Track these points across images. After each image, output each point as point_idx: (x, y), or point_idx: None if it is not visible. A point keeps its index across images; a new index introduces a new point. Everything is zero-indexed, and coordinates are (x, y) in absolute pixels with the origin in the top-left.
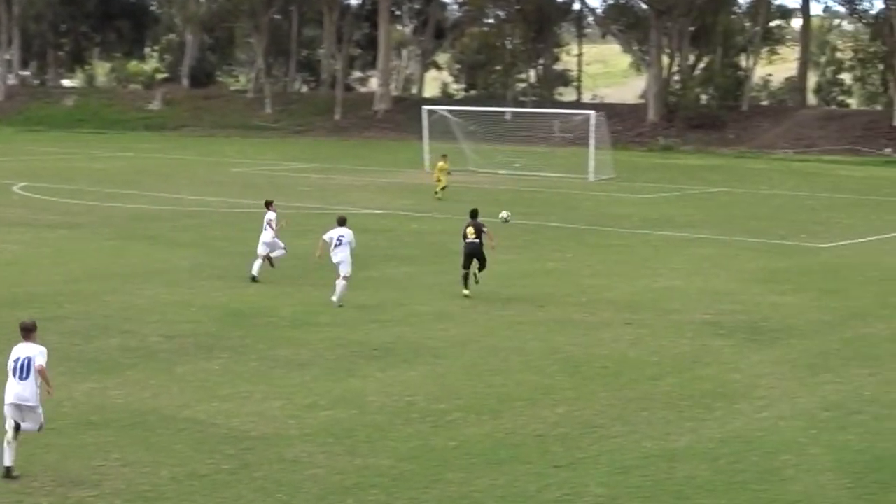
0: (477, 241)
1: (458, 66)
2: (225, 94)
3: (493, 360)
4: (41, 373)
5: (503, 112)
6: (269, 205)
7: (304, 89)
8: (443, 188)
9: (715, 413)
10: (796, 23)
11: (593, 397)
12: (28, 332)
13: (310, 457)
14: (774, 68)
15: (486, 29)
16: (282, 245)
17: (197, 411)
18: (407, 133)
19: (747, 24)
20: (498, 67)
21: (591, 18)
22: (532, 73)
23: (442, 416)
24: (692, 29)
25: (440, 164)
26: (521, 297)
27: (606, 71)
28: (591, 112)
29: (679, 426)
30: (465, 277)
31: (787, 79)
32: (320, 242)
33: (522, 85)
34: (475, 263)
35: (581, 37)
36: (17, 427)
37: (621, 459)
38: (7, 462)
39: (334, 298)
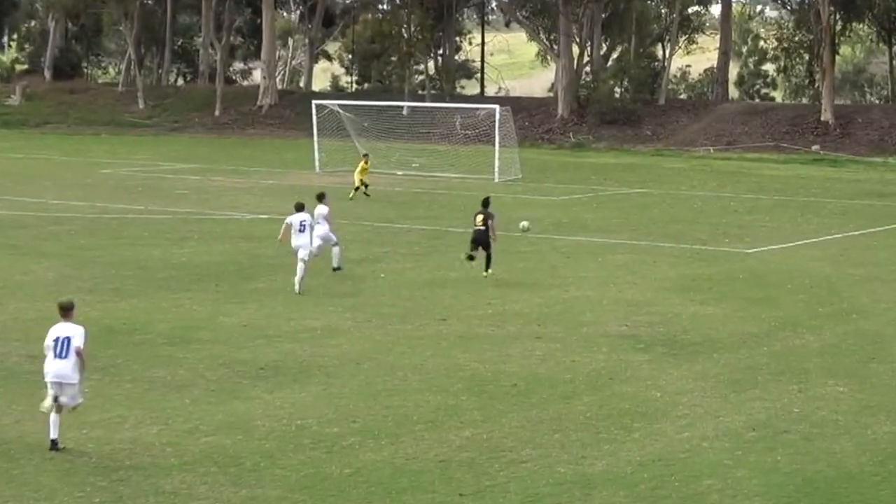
0: (484, 228)
1: (349, 57)
2: (92, 88)
3: (391, 378)
4: (79, 354)
5: (400, 107)
6: (321, 198)
7: (181, 82)
8: (356, 189)
9: (634, 434)
10: (716, 10)
11: (501, 419)
12: (66, 311)
13: (190, 488)
14: (693, 59)
15: (379, 16)
16: (335, 239)
17: (65, 439)
18: (295, 130)
19: (663, 10)
20: (393, 58)
21: (494, 4)
22: (431, 65)
23: (336, 441)
24: (604, 16)
25: (362, 164)
26: (420, 309)
27: (512, 62)
28: (496, 106)
29: (595, 449)
30: (469, 258)
31: (707, 70)
32: (283, 227)
33: (421, 77)
34: (482, 253)
35: (484, 24)
36: (56, 399)
37: (533, 486)
38: (53, 435)
39: (299, 277)
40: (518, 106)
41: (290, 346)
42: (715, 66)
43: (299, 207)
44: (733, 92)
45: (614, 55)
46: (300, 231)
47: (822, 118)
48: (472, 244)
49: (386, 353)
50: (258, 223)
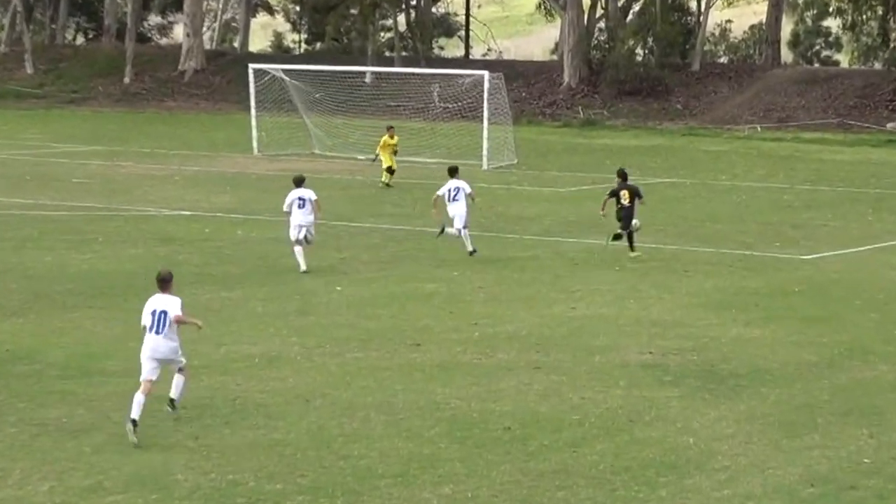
0: (631, 205)
1: (297, 9)
2: None
3: (350, 420)
4: (178, 321)
5: (361, 73)
6: (300, 183)
7: (81, 41)
8: (388, 171)
9: (659, 491)
10: None
11: (491, 472)
12: (165, 283)
13: None
14: (735, 13)
15: None
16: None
17: None
18: (226, 102)
19: None
20: (353, 10)
21: None
22: (402, 19)
23: (280, 502)
24: None
25: (385, 138)
26: (387, 332)
27: (505, 16)
28: (485, 73)
29: None
30: (618, 237)
31: (753, 27)
32: (433, 199)
33: (388, 35)
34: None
35: None
36: (153, 380)
37: None
38: (134, 415)
39: (469, 248)
40: (513, 72)
41: (220, 378)
42: (763, 21)
43: (298, 182)
44: (786, 55)
45: (636, 7)
46: (300, 207)
47: None
48: (623, 222)
49: (343, 387)
50: (180, 221)
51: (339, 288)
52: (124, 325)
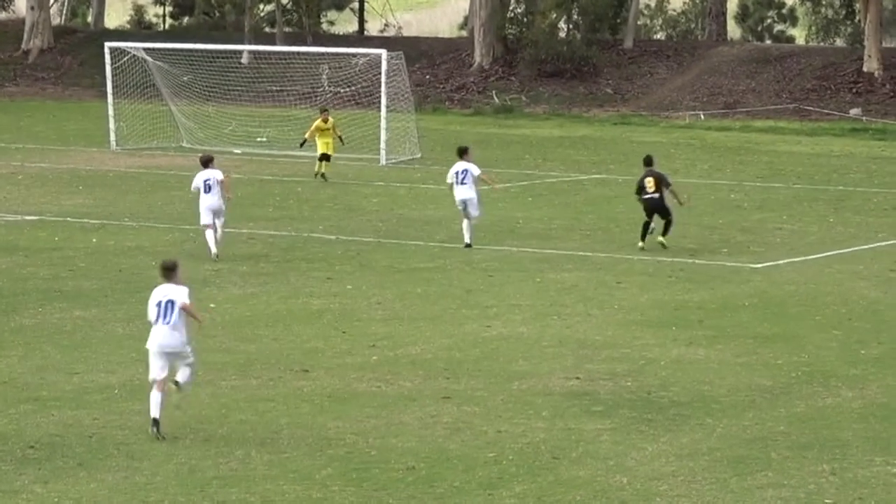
0: (657, 195)
1: None
2: None
3: (226, 460)
4: (186, 309)
5: (237, 53)
6: (208, 163)
7: None
8: (323, 159)
9: None
10: None
11: None
12: (169, 271)
13: None
14: None
15: None
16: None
17: None
18: (78, 87)
19: None
20: None
21: None
22: None
23: None
24: None
25: (318, 122)
26: (270, 356)
27: None
28: (382, 51)
29: None
30: (646, 227)
31: None
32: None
33: (268, 8)
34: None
35: None
36: (163, 378)
37: None
38: (154, 414)
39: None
40: (415, 51)
41: (73, 413)
42: None
43: (205, 162)
44: (733, 30)
45: None
46: (206, 191)
47: (865, 69)
48: (648, 213)
49: (218, 422)
50: (23, 228)
51: (212, 305)
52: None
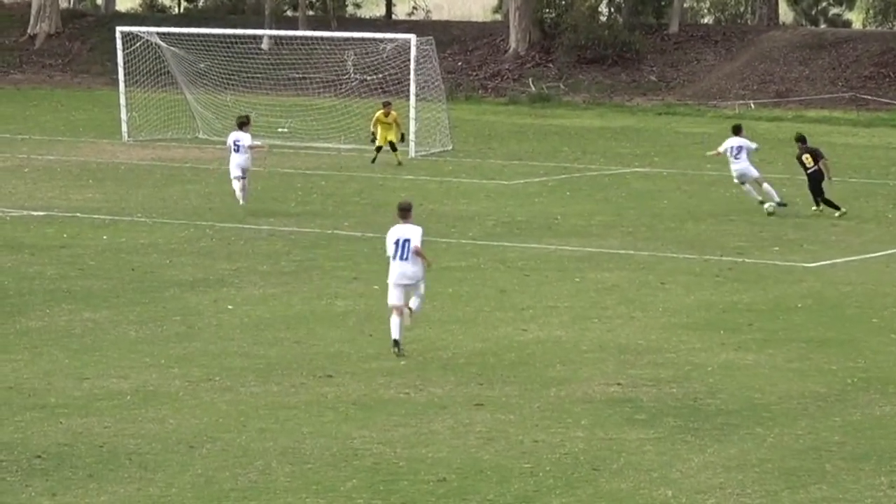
0: (816, 167)
1: None
2: None
3: (245, 471)
4: (417, 252)
5: (257, 38)
6: (243, 125)
7: None
8: (388, 146)
9: None
10: None
11: None
12: (406, 211)
13: None
14: None
15: None
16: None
17: None
18: (87, 75)
19: None
20: None
21: None
22: None
23: None
24: None
25: (379, 115)
26: (291, 360)
27: None
28: (411, 37)
29: None
30: (823, 203)
31: None
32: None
33: None
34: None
35: None
36: (400, 305)
37: None
38: (395, 335)
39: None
40: (446, 35)
41: (83, 420)
42: None
43: (241, 124)
44: (786, 13)
45: None
46: (235, 151)
47: None
48: (813, 190)
49: (237, 430)
50: (30, 224)
51: (230, 307)
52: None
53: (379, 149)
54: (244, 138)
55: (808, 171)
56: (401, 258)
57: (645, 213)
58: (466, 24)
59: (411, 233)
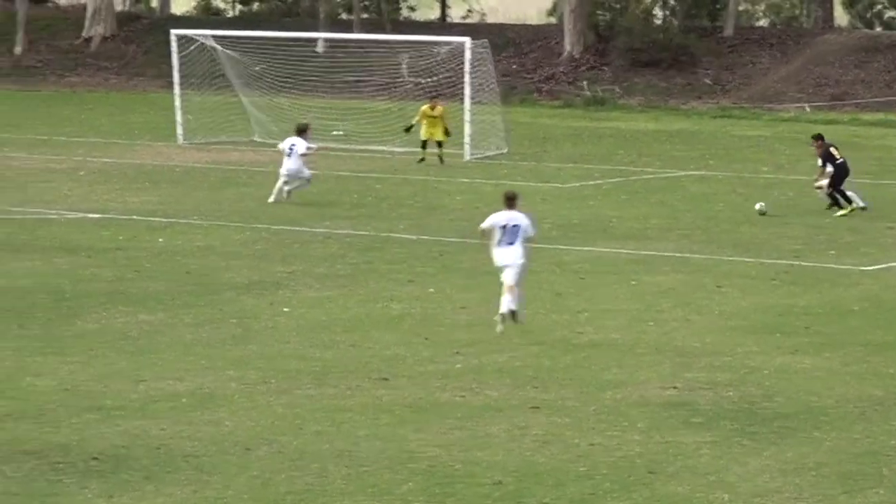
0: (843, 160)
1: None
2: None
3: (301, 474)
4: (528, 240)
5: (312, 41)
6: (302, 131)
7: None
8: (437, 144)
9: None
10: None
11: None
12: (512, 200)
13: None
14: None
15: None
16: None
17: None
18: (143, 78)
19: None
20: None
21: None
22: None
23: None
24: None
25: (425, 108)
26: (348, 363)
27: None
28: (466, 40)
29: None
30: (838, 194)
31: None
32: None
33: None
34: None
35: None
36: (511, 284)
37: None
38: (503, 309)
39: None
40: (501, 38)
41: (139, 422)
42: None
43: (299, 131)
44: (841, 16)
45: None
46: (287, 155)
47: None
48: (841, 180)
49: (293, 433)
50: (86, 227)
51: (286, 309)
52: (16, 356)
53: (424, 144)
54: (299, 145)
55: (837, 163)
56: (508, 243)
57: (700, 216)
58: (521, 26)
59: (520, 219)
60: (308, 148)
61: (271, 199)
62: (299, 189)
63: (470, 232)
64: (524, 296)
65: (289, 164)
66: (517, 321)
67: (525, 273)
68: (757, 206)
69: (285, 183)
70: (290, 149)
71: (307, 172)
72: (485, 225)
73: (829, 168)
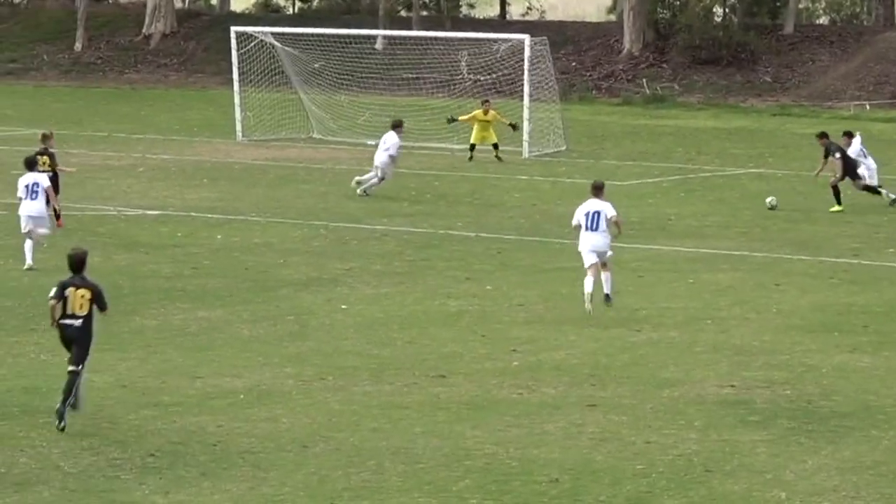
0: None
1: None
2: None
3: (358, 471)
4: (617, 222)
5: (371, 38)
6: (397, 127)
7: None
8: (493, 146)
9: None
10: None
11: None
12: (599, 189)
13: None
14: None
15: None
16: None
17: None
18: (202, 75)
19: None
20: None
21: None
22: None
23: None
24: None
25: (477, 112)
26: (404, 361)
27: None
28: (525, 37)
29: None
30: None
31: None
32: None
33: None
34: None
35: None
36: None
37: None
38: (588, 289)
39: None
40: (560, 36)
41: (196, 419)
42: None
43: (394, 126)
44: None
45: None
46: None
47: None
48: (851, 173)
49: (350, 430)
50: (145, 223)
51: (343, 306)
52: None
53: (473, 147)
54: (391, 142)
55: (840, 156)
56: (591, 229)
57: (759, 215)
58: (580, 24)
59: (604, 206)
60: (397, 150)
61: (354, 183)
62: (372, 186)
63: (527, 229)
64: (613, 280)
65: (377, 157)
66: (607, 304)
67: (612, 256)
68: (767, 201)
69: (376, 170)
70: (384, 143)
71: (390, 171)
72: (574, 221)
73: (837, 157)
